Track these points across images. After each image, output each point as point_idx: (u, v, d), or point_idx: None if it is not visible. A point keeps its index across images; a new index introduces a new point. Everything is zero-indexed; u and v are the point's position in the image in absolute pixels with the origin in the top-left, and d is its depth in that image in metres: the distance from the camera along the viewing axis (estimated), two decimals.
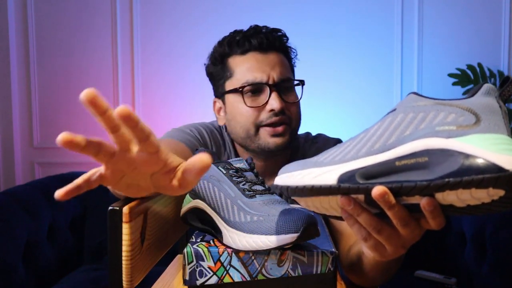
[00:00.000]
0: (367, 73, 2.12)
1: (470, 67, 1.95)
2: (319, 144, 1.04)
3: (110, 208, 0.64)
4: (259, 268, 0.61)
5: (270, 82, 0.93)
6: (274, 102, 0.92)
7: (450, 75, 1.95)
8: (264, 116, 0.94)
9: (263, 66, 0.94)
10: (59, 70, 2.20)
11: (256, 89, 0.94)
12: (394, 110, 0.51)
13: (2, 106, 2.19)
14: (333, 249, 0.62)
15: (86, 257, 1.80)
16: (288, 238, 0.57)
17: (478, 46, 2.09)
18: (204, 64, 1.05)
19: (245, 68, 0.95)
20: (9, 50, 2.17)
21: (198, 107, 2.08)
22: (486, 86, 0.51)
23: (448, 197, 0.44)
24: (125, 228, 0.63)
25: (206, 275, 0.62)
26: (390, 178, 0.46)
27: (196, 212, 0.71)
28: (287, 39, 1.02)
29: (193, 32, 2.15)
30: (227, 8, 2.14)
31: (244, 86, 0.94)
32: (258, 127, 0.95)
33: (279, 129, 0.94)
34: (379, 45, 2.12)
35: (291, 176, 0.52)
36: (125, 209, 0.63)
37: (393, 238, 0.50)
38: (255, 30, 0.98)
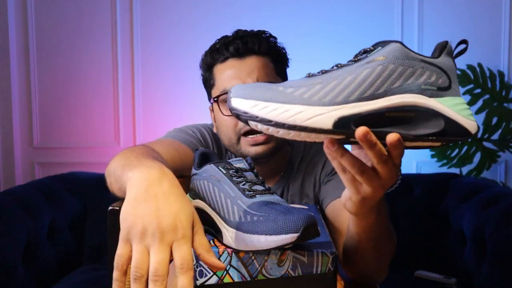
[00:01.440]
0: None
1: (470, 67, 1.95)
2: (318, 145, 1.04)
3: (110, 208, 0.64)
4: (259, 268, 0.61)
5: None
6: None
7: None
8: (242, 124, 0.92)
9: (240, 73, 0.93)
10: (59, 70, 2.20)
11: None
12: (383, 57, 0.54)
13: (2, 106, 2.18)
14: (333, 249, 0.62)
15: (86, 257, 1.80)
16: (288, 238, 0.57)
17: (478, 46, 2.09)
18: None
19: (224, 76, 0.95)
20: (9, 50, 2.17)
21: (198, 107, 2.08)
22: (449, 47, 0.57)
23: (415, 144, 0.53)
24: None
25: (206, 275, 0.62)
26: (379, 128, 0.51)
27: (196, 211, 0.71)
28: (274, 40, 0.99)
29: (193, 32, 2.14)
30: (227, 8, 2.14)
31: (220, 95, 0.95)
32: (238, 136, 0.94)
33: (260, 138, 0.93)
34: None
35: (259, 105, 0.52)
36: None
37: (374, 178, 0.54)
38: (234, 36, 0.97)
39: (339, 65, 0.56)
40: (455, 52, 0.57)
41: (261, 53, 0.96)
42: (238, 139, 0.95)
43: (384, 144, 0.51)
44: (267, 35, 1.00)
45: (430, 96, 0.52)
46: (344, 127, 0.51)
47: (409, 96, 0.52)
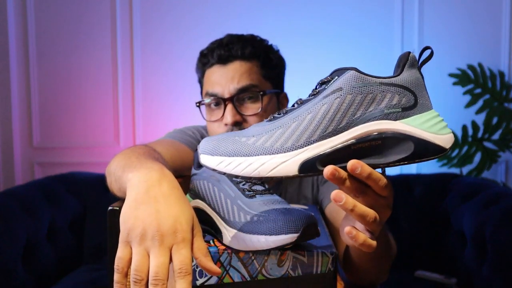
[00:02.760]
0: (367, 73, 2.12)
1: (470, 67, 1.95)
2: None
3: (109, 208, 0.64)
4: (259, 268, 0.61)
5: (226, 95, 0.93)
6: (227, 116, 0.93)
7: (451, 75, 1.95)
8: (222, 129, 0.94)
9: (222, 79, 0.95)
10: (59, 70, 2.20)
11: (216, 102, 0.96)
12: (340, 89, 0.52)
13: (2, 106, 2.18)
14: (333, 249, 0.62)
15: (86, 257, 1.80)
16: (288, 238, 0.57)
17: (478, 46, 2.09)
18: None
19: (209, 82, 0.97)
20: (9, 50, 2.17)
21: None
22: (412, 57, 0.53)
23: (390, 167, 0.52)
24: None
25: (206, 275, 0.62)
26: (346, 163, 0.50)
27: (196, 212, 0.71)
28: (264, 44, 0.99)
29: (193, 32, 2.14)
30: (228, 8, 2.14)
31: (202, 101, 0.98)
32: None
33: None
34: (379, 45, 2.12)
35: (224, 162, 0.52)
36: None
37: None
38: (219, 42, 0.98)
39: (300, 101, 0.54)
40: (420, 61, 0.54)
41: (245, 58, 0.95)
42: None
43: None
44: (256, 39, 0.99)
45: (396, 119, 0.50)
46: (310, 170, 0.50)
47: (372, 124, 0.50)
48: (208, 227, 0.69)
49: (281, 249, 0.60)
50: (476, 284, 1.43)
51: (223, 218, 0.65)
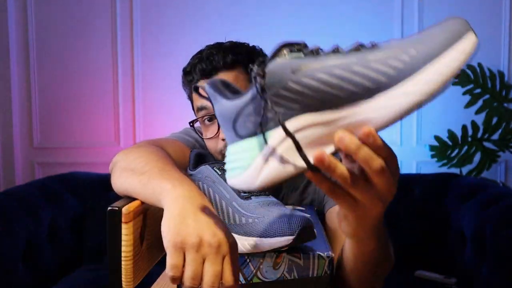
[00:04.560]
0: None
1: (470, 67, 1.95)
2: None
3: (109, 208, 0.64)
4: (254, 271, 0.61)
5: None
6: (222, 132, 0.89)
7: None
8: (221, 144, 0.91)
9: None
10: (59, 70, 2.20)
11: (209, 118, 0.93)
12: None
13: (2, 106, 2.18)
14: (330, 252, 0.61)
15: (86, 257, 1.80)
16: (284, 240, 0.57)
17: (478, 46, 2.09)
18: None
19: (197, 98, 0.94)
20: (9, 50, 2.17)
21: None
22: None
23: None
24: (125, 229, 0.63)
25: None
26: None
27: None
28: (245, 49, 0.97)
29: (193, 32, 2.14)
30: (228, 8, 2.14)
31: (195, 119, 0.96)
32: (221, 155, 0.92)
33: None
34: None
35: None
36: (125, 210, 0.63)
37: (369, 189, 0.46)
38: (200, 56, 0.95)
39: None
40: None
41: (228, 68, 0.93)
42: (223, 157, 0.94)
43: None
44: (235, 45, 0.97)
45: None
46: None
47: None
48: None
49: (277, 251, 0.60)
50: (476, 284, 1.43)
51: None
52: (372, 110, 0.41)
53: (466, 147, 1.97)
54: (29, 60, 2.20)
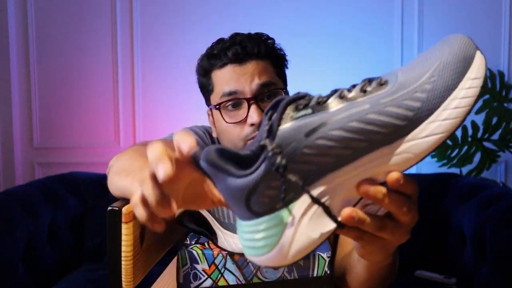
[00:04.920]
0: (367, 73, 2.11)
1: None
2: None
3: (109, 208, 0.64)
4: (254, 271, 0.61)
5: (248, 95, 0.89)
6: (253, 115, 0.88)
7: None
8: (248, 130, 0.89)
9: (240, 78, 0.91)
10: (59, 70, 2.20)
11: (235, 103, 0.91)
12: None
13: (2, 106, 2.18)
14: (330, 252, 0.62)
15: (86, 257, 1.80)
16: None
17: (478, 46, 2.09)
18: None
19: (223, 82, 0.92)
20: (9, 50, 2.17)
21: (199, 107, 2.07)
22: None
23: None
24: (125, 229, 0.63)
25: (200, 278, 0.62)
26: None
27: (192, 214, 0.71)
28: (271, 42, 0.97)
29: (193, 32, 2.14)
30: (228, 8, 2.14)
31: (222, 103, 0.92)
32: (245, 142, 0.90)
33: None
34: (379, 44, 2.12)
35: None
36: (125, 210, 0.63)
37: (397, 229, 0.45)
38: (232, 40, 0.94)
39: None
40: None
41: (260, 57, 0.93)
42: (245, 145, 0.92)
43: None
44: (265, 37, 0.97)
45: None
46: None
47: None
48: (203, 229, 0.69)
49: None
50: (475, 284, 1.43)
51: (218, 220, 0.64)
52: (394, 156, 0.40)
53: (466, 147, 1.97)
54: (29, 60, 2.20)
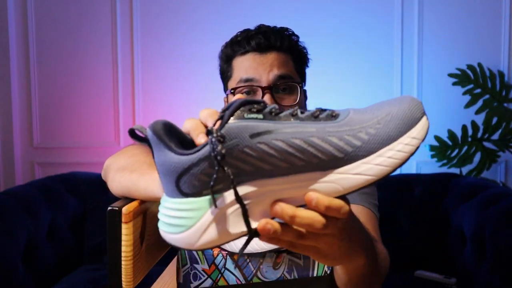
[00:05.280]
0: (367, 73, 2.12)
1: (470, 67, 1.95)
2: None
3: (109, 208, 0.64)
4: (254, 271, 0.61)
5: (264, 84, 0.92)
6: None
7: (450, 75, 1.95)
8: None
9: (259, 67, 0.93)
10: (59, 70, 2.20)
11: (250, 90, 0.93)
12: None
13: (2, 106, 2.18)
14: None
15: (86, 257, 1.80)
16: None
17: (478, 46, 2.09)
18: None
19: (242, 69, 0.94)
20: (9, 50, 2.17)
21: (199, 107, 2.08)
22: None
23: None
24: (125, 229, 0.63)
25: (200, 278, 0.62)
26: None
27: None
28: (296, 38, 1.00)
29: (193, 32, 2.14)
30: (228, 8, 2.14)
31: (237, 87, 0.94)
32: None
33: None
34: (379, 45, 2.12)
35: None
36: (125, 210, 0.63)
37: (311, 250, 0.46)
38: (257, 30, 0.97)
39: None
40: None
41: (282, 50, 0.95)
42: None
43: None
44: (290, 33, 0.99)
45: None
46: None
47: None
48: None
49: (277, 251, 0.60)
50: (475, 284, 1.43)
51: None
52: (324, 183, 0.42)
53: (466, 147, 1.97)
54: (29, 60, 2.20)
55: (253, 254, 0.60)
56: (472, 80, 1.94)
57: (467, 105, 1.96)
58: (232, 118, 0.41)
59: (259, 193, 0.42)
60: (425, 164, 2.11)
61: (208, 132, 0.41)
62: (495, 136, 1.98)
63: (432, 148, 2.00)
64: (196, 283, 0.62)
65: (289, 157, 0.41)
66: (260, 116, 0.42)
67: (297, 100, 0.94)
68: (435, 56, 2.10)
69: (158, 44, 2.17)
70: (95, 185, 1.85)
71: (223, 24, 2.10)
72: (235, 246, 0.60)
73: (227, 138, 0.41)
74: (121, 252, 0.63)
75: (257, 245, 0.58)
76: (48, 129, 2.22)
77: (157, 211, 0.64)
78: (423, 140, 0.43)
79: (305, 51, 1.02)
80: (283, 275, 0.61)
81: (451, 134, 1.96)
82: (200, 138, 0.45)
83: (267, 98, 0.91)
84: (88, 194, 1.84)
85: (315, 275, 0.61)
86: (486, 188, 1.59)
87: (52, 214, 1.63)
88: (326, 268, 0.61)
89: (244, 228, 0.42)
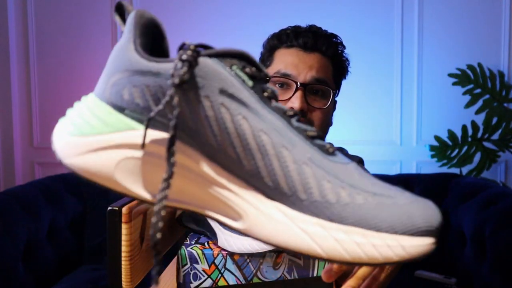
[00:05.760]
0: (367, 73, 2.12)
1: (470, 67, 1.95)
2: None
3: (109, 208, 0.64)
4: (254, 271, 0.61)
5: (300, 80, 0.92)
6: (295, 101, 0.90)
7: (450, 75, 1.95)
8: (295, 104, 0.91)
9: (300, 63, 0.93)
10: (59, 70, 2.20)
11: (284, 82, 0.93)
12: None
13: (2, 106, 2.18)
14: None
15: (86, 257, 1.80)
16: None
17: (478, 46, 2.09)
18: None
19: (283, 61, 0.95)
20: (9, 50, 2.17)
21: None
22: None
23: None
24: (125, 229, 0.63)
25: (200, 278, 0.62)
26: None
27: (191, 213, 0.71)
28: (342, 49, 1.01)
29: (193, 32, 2.14)
30: (228, 8, 2.14)
31: (273, 76, 0.93)
32: None
33: None
34: (379, 45, 2.12)
35: None
36: (124, 210, 0.63)
37: None
38: (308, 28, 0.98)
39: None
40: None
41: (326, 54, 0.96)
42: None
43: None
44: (339, 41, 1.01)
45: None
46: None
47: None
48: (203, 229, 0.69)
49: (277, 251, 0.60)
50: (475, 284, 1.44)
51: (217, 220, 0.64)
52: (258, 213, 0.31)
53: (466, 147, 1.97)
54: (29, 60, 2.20)
55: (253, 254, 0.60)
56: (472, 80, 1.94)
57: (467, 105, 1.96)
58: (217, 57, 0.31)
59: (189, 168, 0.31)
60: (425, 164, 2.11)
61: (182, 46, 0.31)
62: (495, 136, 1.98)
63: (432, 148, 2.00)
64: (196, 283, 0.62)
65: (242, 150, 0.30)
66: (250, 83, 0.32)
67: (327, 106, 0.95)
68: (435, 56, 2.10)
69: None
70: (95, 185, 1.84)
71: (223, 24, 2.10)
72: (235, 246, 0.60)
73: (197, 70, 0.30)
74: (121, 252, 0.63)
75: (257, 245, 0.58)
76: (48, 129, 2.22)
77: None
78: (409, 260, 0.29)
79: (347, 63, 1.04)
80: (283, 275, 0.61)
81: (451, 134, 1.96)
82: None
83: (298, 95, 0.90)
84: (88, 194, 1.84)
85: (315, 275, 0.61)
86: (486, 188, 1.59)
87: (52, 214, 1.63)
88: None
89: (147, 195, 0.32)
